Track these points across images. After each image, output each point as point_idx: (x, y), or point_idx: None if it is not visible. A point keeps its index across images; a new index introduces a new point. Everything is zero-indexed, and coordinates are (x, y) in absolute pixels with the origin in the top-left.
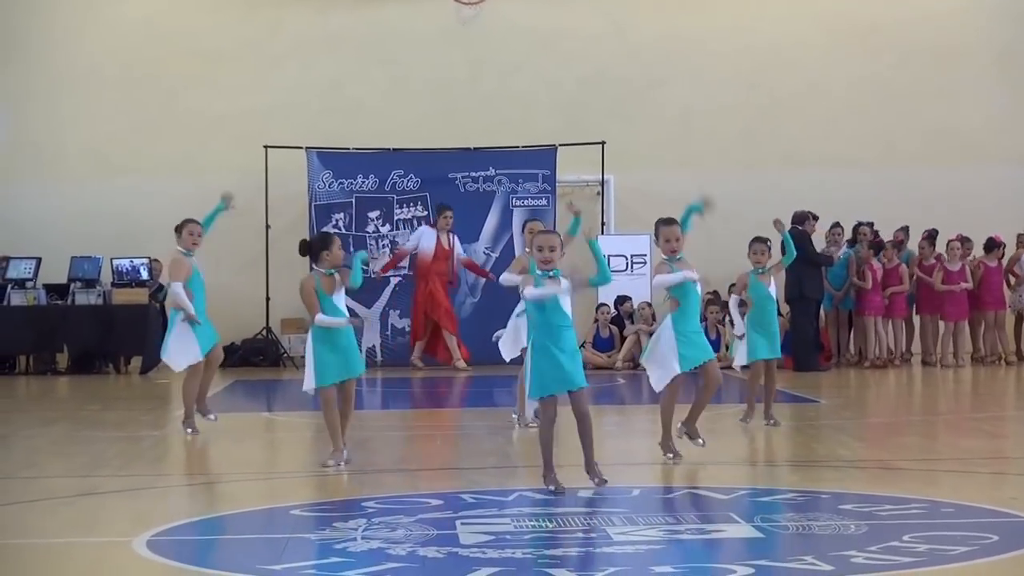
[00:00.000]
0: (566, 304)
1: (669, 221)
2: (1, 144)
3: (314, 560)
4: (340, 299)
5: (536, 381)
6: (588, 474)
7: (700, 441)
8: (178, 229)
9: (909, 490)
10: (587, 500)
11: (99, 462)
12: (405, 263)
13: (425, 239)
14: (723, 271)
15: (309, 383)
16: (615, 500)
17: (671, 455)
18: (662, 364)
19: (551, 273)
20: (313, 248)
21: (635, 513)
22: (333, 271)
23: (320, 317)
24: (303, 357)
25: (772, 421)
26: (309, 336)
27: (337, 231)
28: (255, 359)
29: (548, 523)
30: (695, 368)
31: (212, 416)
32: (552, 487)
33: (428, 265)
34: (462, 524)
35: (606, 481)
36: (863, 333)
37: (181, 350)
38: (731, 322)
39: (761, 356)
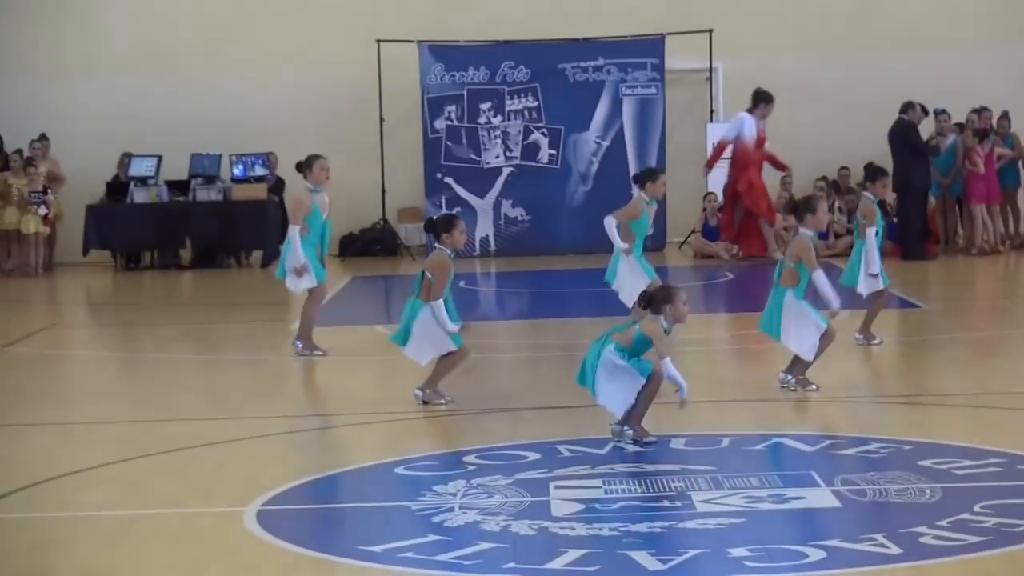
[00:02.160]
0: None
1: None
2: (121, 42)
3: (411, 539)
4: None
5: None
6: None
7: (813, 387)
8: (306, 165)
9: (990, 439)
10: (677, 454)
11: (218, 398)
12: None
13: (747, 126)
14: (832, 156)
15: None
16: (703, 455)
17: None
18: (804, 334)
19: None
20: (436, 227)
21: (721, 473)
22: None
23: (439, 305)
24: (419, 246)
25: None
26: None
27: (450, 123)
28: (373, 248)
29: (637, 487)
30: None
31: (319, 352)
32: (647, 438)
33: (750, 154)
34: (555, 488)
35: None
36: (971, 220)
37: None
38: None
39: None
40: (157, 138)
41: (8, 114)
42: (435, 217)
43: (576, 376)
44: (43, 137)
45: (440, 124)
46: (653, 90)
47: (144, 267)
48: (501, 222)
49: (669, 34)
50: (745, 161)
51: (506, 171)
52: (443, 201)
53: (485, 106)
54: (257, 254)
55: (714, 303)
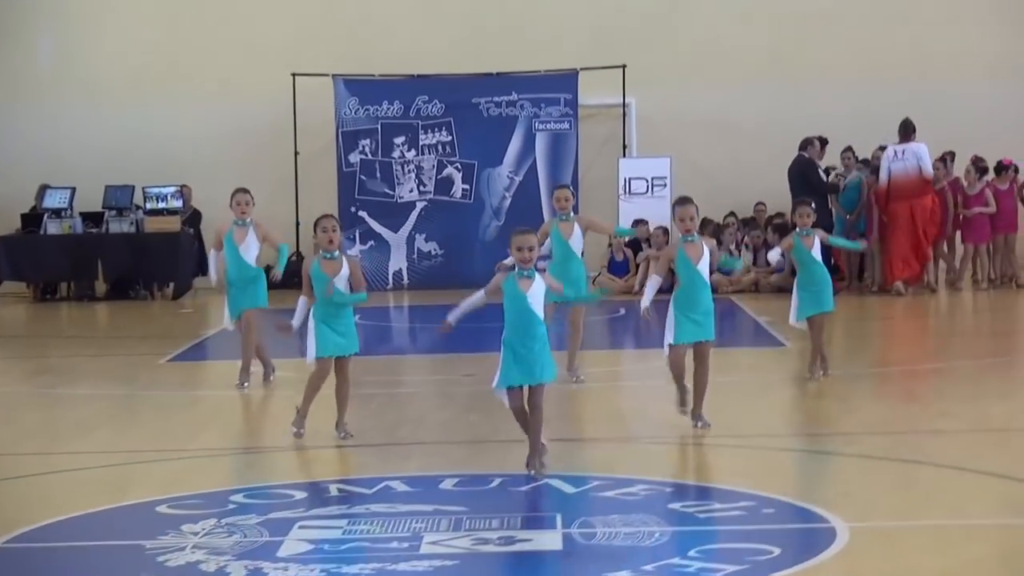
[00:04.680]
0: (538, 305)
1: (685, 200)
2: (40, 72)
3: None
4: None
5: (502, 373)
6: (527, 465)
7: (699, 424)
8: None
9: (757, 482)
10: (441, 494)
11: (39, 432)
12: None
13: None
14: (749, 190)
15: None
16: (465, 495)
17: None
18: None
19: (526, 272)
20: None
21: (469, 514)
22: (329, 255)
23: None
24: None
25: (816, 375)
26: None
27: (364, 157)
28: (289, 281)
29: (377, 528)
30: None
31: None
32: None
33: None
34: (298, 528)
35: (543, 468)
36: (872, 258)
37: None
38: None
39: (807, 314)
40: (75, 169)
41: None
42: None
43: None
44: None
45: (354, 158)
46: (566, 125)
47: (60, 298)
48: (414, 256)
49: (583, 69)
50: (928, 188)
51: (419, 205)
52: (357, 235)
53: (399, 140)
54: (170, 285)
55: (594, 340)
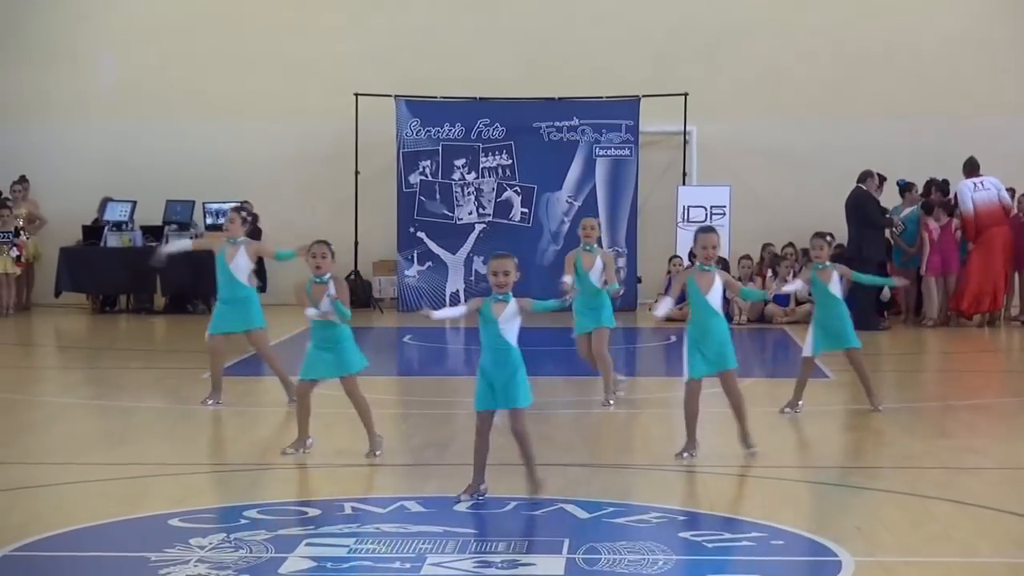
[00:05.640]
0: (510, 331)
1: (708, 229)
2: (106, 86)
3: None
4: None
5: (476, 396)
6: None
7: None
8: None
9: (773, 513)
10: (454, 516)
11: (67, 443)
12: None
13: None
14: (808, 220)
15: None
16: (477, 518)
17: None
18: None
19: (501, 296)
20: None
21: (481, 536)
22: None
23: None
24: (392, 299)
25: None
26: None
27: (424, 178)
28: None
29: (383, 548)
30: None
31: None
32: (477, 495)
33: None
34: (306, 544)
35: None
36: (927, 291)
37: None
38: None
39: (822, 350)
40: (138, 183)
41: None
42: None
43: None
44: (23, 179)
45: (415, 179)
46: (627, 152)
47: (119, 311)
48: (472, 278)
49: (644, 96)
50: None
51: (478, 228)
52: (415, 255)
53: (459, 162)
54: None
55: (637, 365)
